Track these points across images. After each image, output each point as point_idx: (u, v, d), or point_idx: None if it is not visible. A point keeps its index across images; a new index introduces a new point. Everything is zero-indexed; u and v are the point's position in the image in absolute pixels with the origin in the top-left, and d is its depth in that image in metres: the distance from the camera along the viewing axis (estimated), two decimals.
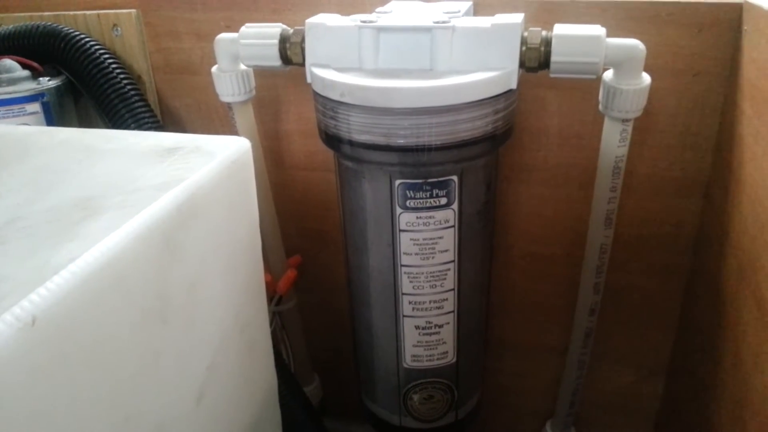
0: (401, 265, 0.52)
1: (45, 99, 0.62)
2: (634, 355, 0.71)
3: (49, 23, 0.63)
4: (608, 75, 0.49)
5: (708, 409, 0.54)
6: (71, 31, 0.62)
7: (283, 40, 0.53)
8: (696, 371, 0.59)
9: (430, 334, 0.55)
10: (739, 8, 0.51)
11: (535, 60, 0.47)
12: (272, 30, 0.53)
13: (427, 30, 0.47)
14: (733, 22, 0.51)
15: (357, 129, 0.46)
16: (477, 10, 0.56)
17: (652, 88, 0.49)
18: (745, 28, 0.50)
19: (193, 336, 0.36)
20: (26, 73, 0.63)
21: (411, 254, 0.51)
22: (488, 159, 0.51)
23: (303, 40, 0.51)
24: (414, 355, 0.56)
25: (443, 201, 0.49)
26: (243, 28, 0.54)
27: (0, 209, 0.31)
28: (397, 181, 0.48)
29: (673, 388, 0.69)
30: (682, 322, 0.66)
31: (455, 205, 0.49)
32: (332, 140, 0.49)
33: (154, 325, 0.32)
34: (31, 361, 0.23)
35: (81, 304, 0.26)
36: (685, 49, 0.53)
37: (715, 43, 0.53)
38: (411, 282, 0.52)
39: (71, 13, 0.66)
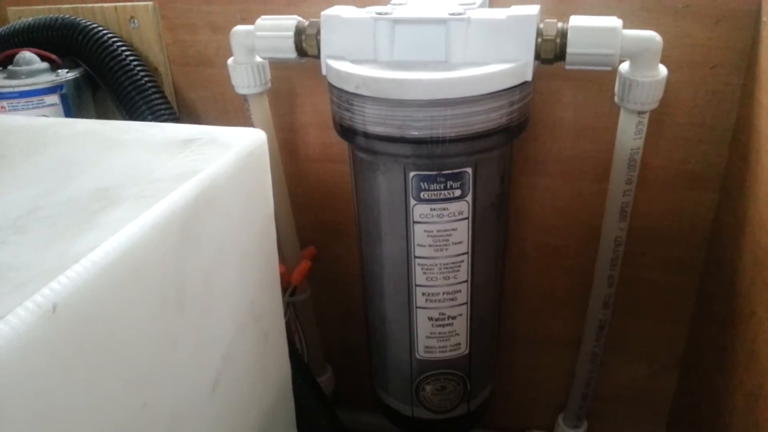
0: (415, 257, 0.52)
1: (63, 91, 0.62)
2: (647, 349, 0.70)
3: (68, 16, 0.64)
4: (624, 67, 0.49)
5: (721, 403, 0.54)
6: (89, 23, 0.63)
7: (299, 32, 0.53)
8: (709, 365, 0.59)
9: (443, 326, 0.55)
10: None
11: (551, 52, 0.47)
12: (288, 22, 0.53)
13: (442, 22, 0.47)
14: (751, 13, 0.51)
15: (372, 121, 0.47)
16: (492, 1, 0.56)
17: (669, 81, 0.49)
18: (764, 19, 0.49)
19: (208, 325, 0.37)
20: (45, 65, 0.63)
21: (425, 246, 0.51)
22: (503, 151, 0.51)
23: (318, 32, 0.51)
24: (427, 347, 0.57)
25: (457, 193, 0.49)
26: (258, 21, 0.55)
27: (21, 199, 0.32)
28: (412, 173, 0.48)
29: (686, 381, 0.68)
30: (696, 315, 0.65)
31: (469, 197, 0.49)
32: (347, 132, 0.49)
33: (171, 313, 0.32)
34: (51, 347, 0.24)
35: (100, 293, 0.26)
36: (702, 40, 0.53)
37: (733, 35, 0.52)
38: (424, 273, 0.52)
39: (89, 5, 0.66)
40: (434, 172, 0.48)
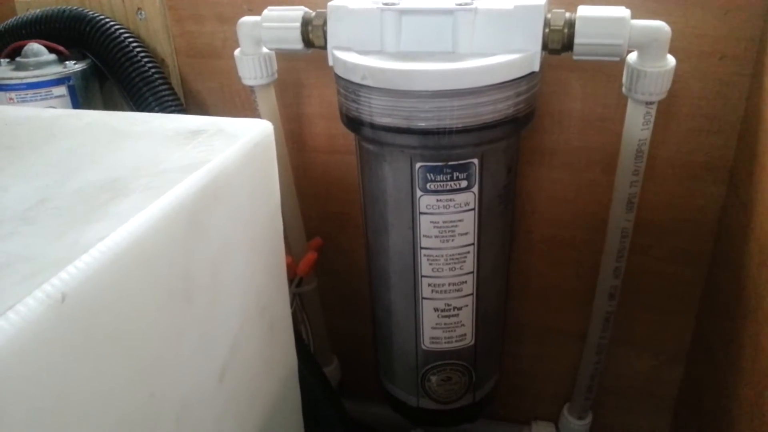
0: (421, 248, 0.52)
1: (71, 82, 0.63)
2: (653, 341, 0.70)
3: (75, 7, 0.64)
4: (632, 57, 0.49)
5: (727, 395, 0.54)
6: (96, 15, 0.63)
7: (305, 23, 0.53)
8: (716, 357, 0.59)
9: (448, 317, 0.55)
10: None
11: (559, 42, 0.47)
12: (294, 13, 0.53)
13: (449, 12, 0.46)
14: (761, 4, 0.50)
15: (378, 112, 0.47)
16: None
17: (677, 71, 0.49)
18: None
19: (216, 315, 0.37)
20: (53, 56, 0.64)
21: (431, 237, 0.51)
22: (509, 142, 0.51)
23: (325, 23, 0.51)
24: (432, 337, 0.57)
25: (464, 184, 0.49)
26: (265, 12, 0.55)
27: (29, 190, 0.32)
28: (418, 164, 0.48)
29: (692, 374, 0.68)
30: (703, 307, 0.65)
31: (476, 188, 0.49)
32: (353, 123, 0.49)
33: (178, 304, 0.33)
34: (60, 336, 0.24)
35: (109, 282, 0.26)
36: (711, 31, 0.53)
37: (742, 26, 0.52)
38: (430, 264, 0.52)
39: None
40: (441, 163, 0.48)
